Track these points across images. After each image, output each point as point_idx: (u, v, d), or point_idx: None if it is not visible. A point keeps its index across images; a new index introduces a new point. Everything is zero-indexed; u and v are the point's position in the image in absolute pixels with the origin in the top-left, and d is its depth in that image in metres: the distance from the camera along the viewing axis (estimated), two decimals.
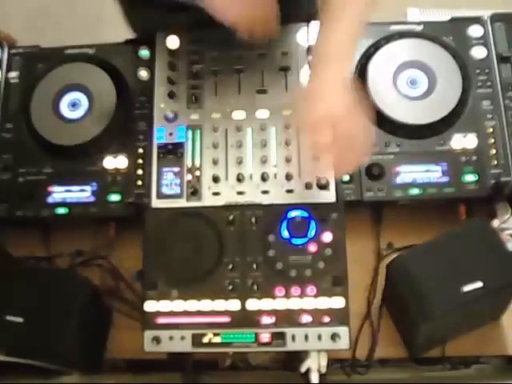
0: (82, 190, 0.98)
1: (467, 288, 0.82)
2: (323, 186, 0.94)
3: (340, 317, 0.88)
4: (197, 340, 0.88)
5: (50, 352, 0.88)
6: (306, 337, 0.88)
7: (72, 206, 0.97)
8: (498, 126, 0.97)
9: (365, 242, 1.00)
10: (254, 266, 0.90)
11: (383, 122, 0.97)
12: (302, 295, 0.89)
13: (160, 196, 0.96)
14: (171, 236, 0.92)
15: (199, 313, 0.89)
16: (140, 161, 0.99)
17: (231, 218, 0.92)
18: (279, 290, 0.89)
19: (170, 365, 0.97)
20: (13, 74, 1.06)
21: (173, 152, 0.98)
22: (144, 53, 1.04)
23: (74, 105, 1.02)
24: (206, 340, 0.88)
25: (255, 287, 0.89)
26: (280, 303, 0.89)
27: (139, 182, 0.98)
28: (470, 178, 0.94)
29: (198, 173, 0.97)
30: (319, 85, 0.81)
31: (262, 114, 0.99)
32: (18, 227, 1.01)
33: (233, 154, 0.97)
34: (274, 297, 0.89)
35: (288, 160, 0.96)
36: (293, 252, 0.90)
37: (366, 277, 0.98)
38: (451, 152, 0.96)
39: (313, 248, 0.90)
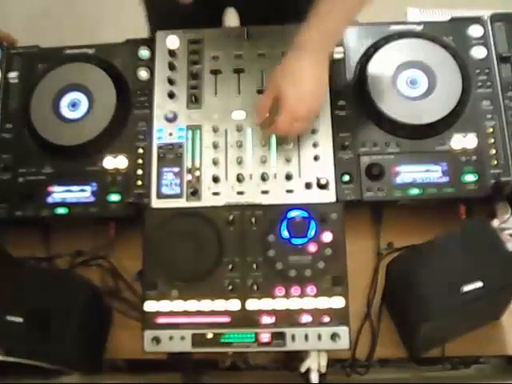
0: (82, 190, 0.98)
1: (467, 288, 0.82)
2: (323, 186, 0.95)
3: (340, 317, 0.88)
4: (197, 340, 0.88)
5: (49, 352, 0.88)
6: (306, 337, 0.88)
7: (72, 206, 0.97)
8: (498, 126, 0.97)
9: (365, 242, 1.00)
10: (254, 266, 0.90)
11: (383, 121, 0.97)
12: (302, 295, 0.89)
13: (160, 196, 0.96)
14: (171, 236, 0.92)
15: (199, 313, 0.89)
16: (140, 161, 0.99)
17: (231, 218, 0.92)
18: (279, 290, 0.89)
19: (169, 365, 0.97)
20: (13, 74, 1.06)
21: (173, 152, 0.98)
22: (144, 53, 1.04)
23: (73, 105, 1.02)
24: (205, 340, 0.88)
25: (255, 287, 0.89)
26: (280, 303, 0.89)
27: (139, 182, 0.98)
28: (469, 177, 0.94)
29: (197, 173, 0.97)
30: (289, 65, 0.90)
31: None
32: (18, 227, 1.01)
33: (233, 154, 0.97)
34: (273, 297, 0.89)
35: (288, 160, 0.96)
36: (293, 252, 0.90)
37: (365, 277, 0.98)
38: (451, 152, 0.96)
39: (313, 248, 0.90)
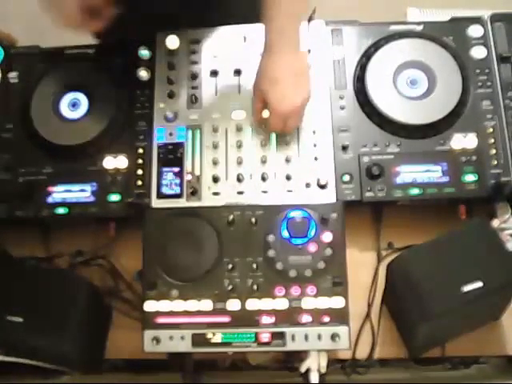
0: (82, 190, 0.98)
1: (467, 288, 0.82)
2: (323, 186, 0.95)
3: (340, 317, 0.88)
4: (197, 340, 0.88)
5: (50, 352, 0.88)
6: (306, 337, 0.88)
7: (72, 206, 0.97)
8: (498, 126, 0.97)
9: (365, 242, 1.00)
10: (254, 265, 0.90)
11: (383, 121, 0.97)
12: (302, 295, 0.89)
13: (160, 196, 0.96)
14: (171, 236, 0.92)
15: (199, 313, 0.89)
16: (140, 161, 0.99)
17: (231, 218, 0.92)
18: (279, 290, 0.89)
19: (169, 365, 0.97)
20: (13, 74, 1.06)
21: (173, 152, 0.98)
22: (144, 53, 1.04)
23: (74, 105, 1.02)
24: (205, 340, 0.88)
25: (255, 287, 0.89)
26: (280, 303, 0.89)
27: (139, 182, 0.98)
28: (470, 178, 0.94)
29: (198, 173, 0.97)
30: (265, 69, 0.92)
31: (262, 113, 0.99)
32: (18, 227, 1.01)
33: (233, 154, 0.97)
34: (273, 297, 0.89)
35: (288, 160, 0.96)
36: (293, 252, 0.90)
37: (366, 277, 0.98)
38: (451, 152, 0.96)
39: (313, 248, 0.90)
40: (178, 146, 0.99)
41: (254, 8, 0.92)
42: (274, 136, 0.97)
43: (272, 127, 0.95)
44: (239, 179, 0.96)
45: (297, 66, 0.92)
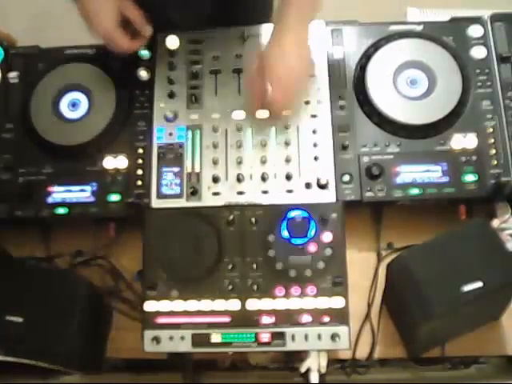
0: (82, 190, 0.98)
1: (467, 288, 0.82)
2: (323, 186, 0.95)
3: (340, 317, 0.88)
4: (197, 340, 0.88)
5: (49, 352, 0.88)
6: (306, 337, 0.88)
7: (72, 206, 0.97)
8: (498, 126, 0.97)
9: (365, 242, 1.00)
10: (254, 265, 0.90)
11: (383, 122, 0.97)
12: (302, 295, 0.89)
13: (160, 196, 0.96)
14: (171, 236, 0.92)
15: (199, 313, 0.89)
16: (140, 161, 0.99)
17: (231, 218, 0.92)
18: (279, 290, 0.89)
19: (170, 365, 0.97)
20: (13, 74, 1.06)
21: (173, 152, 0.98)
22: (144, 53, 1.04)
23: (73, 105, 1.03)
24: (206, 340, 0.88)
25: (255, 287, 0.89)
26: (280, 303, 0.89)
27: (139, 182, 0.98)
28: (470, 178, 0.94)
29: (197, 172, 0.97)
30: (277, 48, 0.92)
31: (262, 113, 0.99)
32: (18, 227, 1.01)
33: (233, 154, 0.97)
34: (273, 297, 0.89)
35: (288, 160, 0.96)
36: (293, 252, 0.90)
37: (365, 277, 0.98)
38: (451, 152, 0.96)
39: (313, 248, 0.90)
40: (178, 146, 0.99)
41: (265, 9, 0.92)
42: (273, 136, 0.97)
43: (273, 97, 0.92)
44: (239, 179, 0.96)
45: (305, 48, 0.93)
